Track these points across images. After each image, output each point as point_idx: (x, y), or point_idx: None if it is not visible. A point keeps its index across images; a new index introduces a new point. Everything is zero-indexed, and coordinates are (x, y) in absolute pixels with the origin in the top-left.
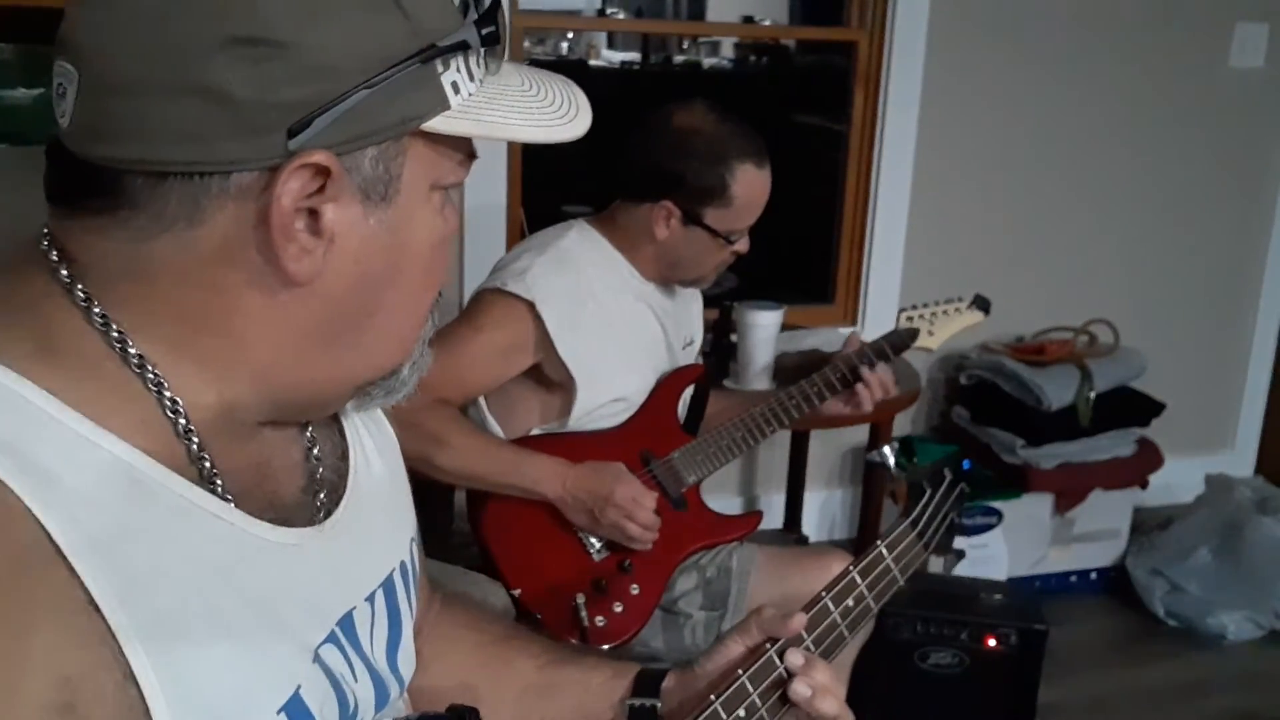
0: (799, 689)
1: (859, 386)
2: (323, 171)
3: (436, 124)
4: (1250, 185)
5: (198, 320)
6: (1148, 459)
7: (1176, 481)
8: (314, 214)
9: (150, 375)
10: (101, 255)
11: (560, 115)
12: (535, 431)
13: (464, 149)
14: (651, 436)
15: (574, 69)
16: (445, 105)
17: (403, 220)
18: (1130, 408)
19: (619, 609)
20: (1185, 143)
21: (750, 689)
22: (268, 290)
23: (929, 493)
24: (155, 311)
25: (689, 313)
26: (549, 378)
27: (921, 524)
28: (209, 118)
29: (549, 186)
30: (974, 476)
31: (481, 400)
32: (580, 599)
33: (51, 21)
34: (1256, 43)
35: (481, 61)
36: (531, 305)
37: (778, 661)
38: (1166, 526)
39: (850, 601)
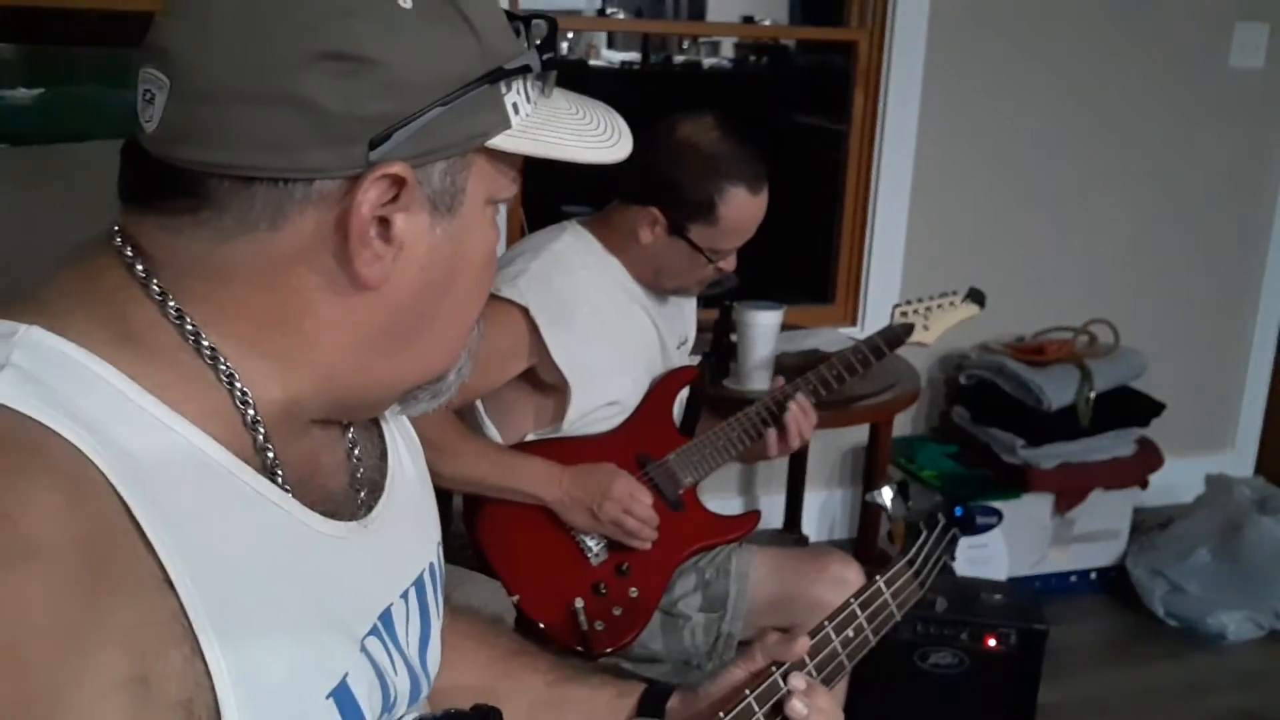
0: (797, 707)
1: (770, 432)
2: (398, 182)
3: (499, 142)
4: (1250, 185)
5: (270, 319)
6: (1148, 459)
7: (1176, 481)
8: (385, 222)
9: (223, 367)
10: (176, 253)
11: (606, 138)
12: (530, 437)
13: (516, 165)
14: (647, 439)
15: (574, 69)
16: (507, 125)
17: (463, 231)
18: (1130, 408)
19: (618, 612)
20: (1185, 143)
21: (756, 708)
22: (339, 293)
23: (925, 534)
24: (228, 308)
25: (682, 312)
26: (543, 381)
27: (918, 564)
28: (298, 127)
29: (549, 187)
30: (966, 521)
31: (479, 404)
32: (579, 603)
33: (52, 22)
34: (1256, 43)
35: (537, 85)
36: (525, 310)
37: (783, 684)
38: (1166, 526)
39: (850, 632)
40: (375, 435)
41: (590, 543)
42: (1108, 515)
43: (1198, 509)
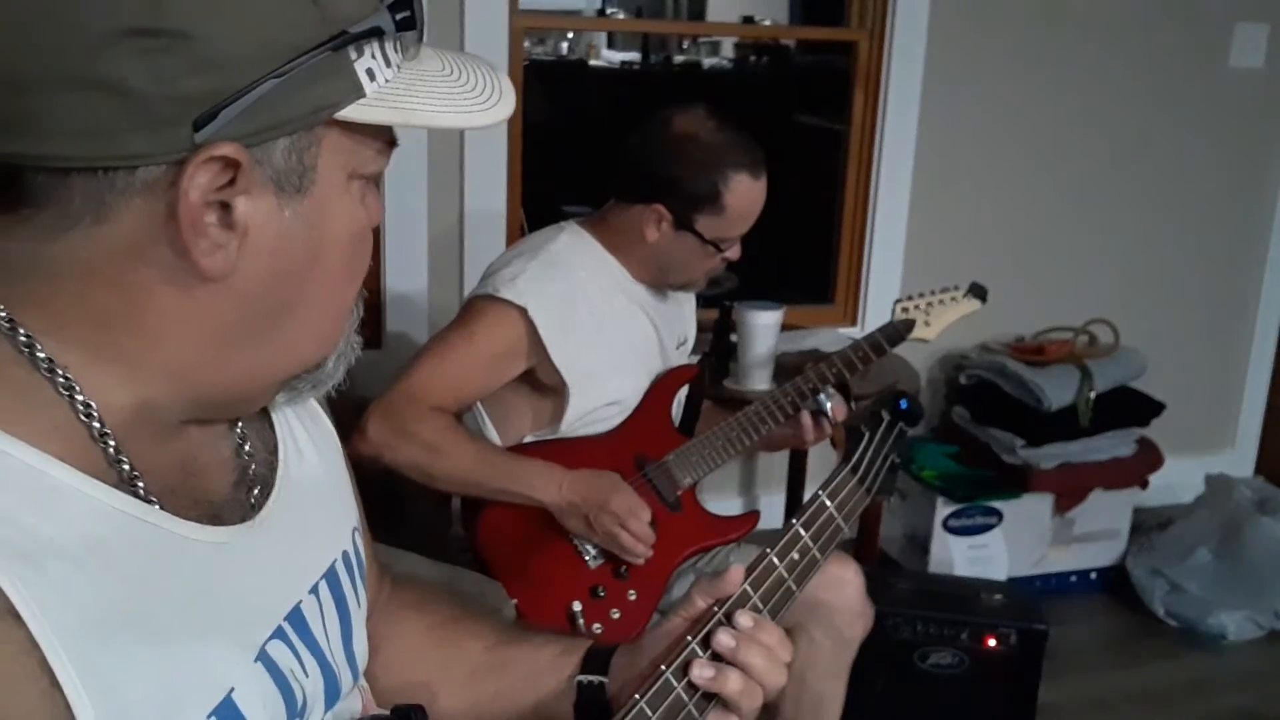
0: (723, 640)
1: (804, 416)
2: (232, 164)
3: (351, 113)
4: (1250, 185)
5: (109, 320)
6: (1148, 459)
7: (1176, 481)
8: (226, 207)
9: (61, 379)
10: (4, 255)
11: (481, 100)
12: (529, 438)
13: (383, 136)
14: (646, 439)
15: (574, 69)
16: (360, 93)
17: (319, 211)
18: (1130, 408)
19: (616, 615)
20: (1185, 143)
21: (700, 652)
22: (182, 287)
23: (867, 436)
24: (64, 312)
25: (681, 313)
26: (542, 383)
27: (862, 469)
28: (109, 112)
29: (549, 187)
30: (912, 414)
31: (479, 406)
32: (577, 606)
33: None
34: (1256, 43)
35: (399, 47)
36: (524, 311)
37: (725, 623)
38: (1166, 526)
39: (795, 554)
40: (266, 428)
41: (588, 546)
42: (1108, 515)
43: (1198, 509)
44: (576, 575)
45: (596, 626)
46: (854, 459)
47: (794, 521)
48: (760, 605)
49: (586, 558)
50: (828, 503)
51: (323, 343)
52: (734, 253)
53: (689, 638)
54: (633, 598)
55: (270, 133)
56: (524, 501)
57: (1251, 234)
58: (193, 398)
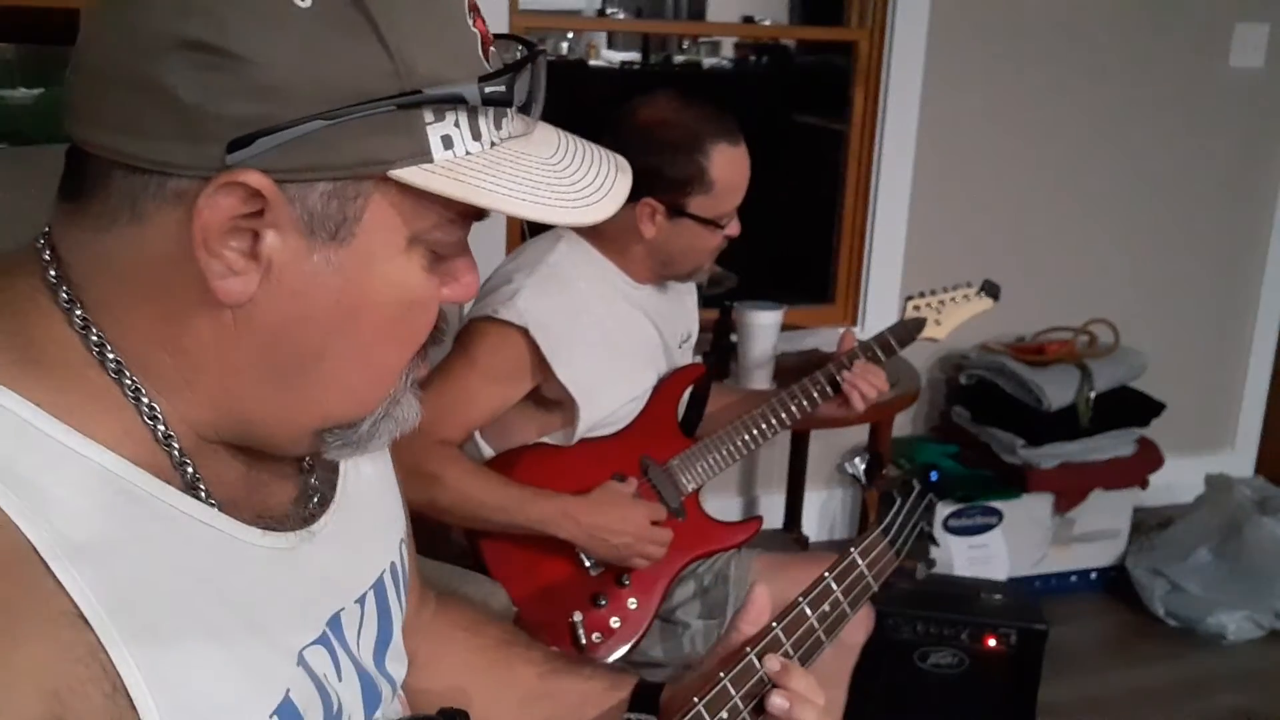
0: (776, 701)
1: (845, 387)
2: (257, 195)
3: (409, 175)
4: (1250, 185)
5: (157, 336)
6: (1148, 459)
7: (1176, 481)
8: (258, 237)
9: (129, 382)
10: (75, 245)
11: (575, 197)
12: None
13: (457, 206)
14: (650, 441)
15: (574, 69)
16: (426, 158)
17: (359, 266)
18: (1130, 408)
19: (616, 624)
20: (1185, 142)
21: (732, 691)
22: (213, 313)
23: (899, 502)
24: (123, 318)
25: (684, 308)
26: (546, 398)
27: (893, 532)
28: (153, 115)
29: None
30: (940, 488)
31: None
32: (578, 617)
33: (52, 21)
34: (1256, 43)
35: (500, 122)
36: (525, 332)
37: (757, 664)
38: (1166, 526)
39: (826, 607)
40: None
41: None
42: (1108, 515)
43: (1198, 509)
44: (578, 584)
45: (596, 635)
46: (885, 521)
47: (826, 575)
48: (791, 652)
49: (587, 565)
50: (859, 560)
51: (352, 401)
52: (734, 228)
53: (721, 674)
54: (633, 606)
55: (309, 173)
56: (537, 534)
57: (1251, 234)
58: (232, 429)
